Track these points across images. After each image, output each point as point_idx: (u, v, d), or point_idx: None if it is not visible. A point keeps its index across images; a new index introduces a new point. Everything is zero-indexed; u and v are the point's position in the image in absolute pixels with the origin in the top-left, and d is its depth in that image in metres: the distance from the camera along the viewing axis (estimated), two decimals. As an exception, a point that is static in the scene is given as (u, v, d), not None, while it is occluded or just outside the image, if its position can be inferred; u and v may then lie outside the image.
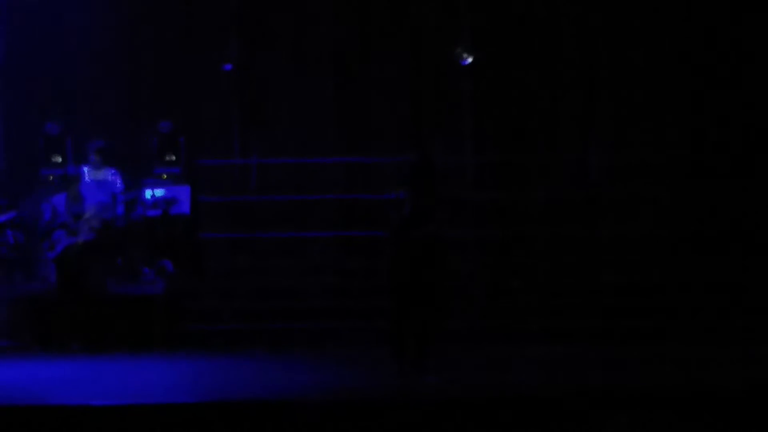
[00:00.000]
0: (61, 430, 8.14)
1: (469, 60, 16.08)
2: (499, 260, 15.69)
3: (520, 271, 15.44)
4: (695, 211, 15.80)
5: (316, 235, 15.83)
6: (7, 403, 8.85)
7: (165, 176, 15.77)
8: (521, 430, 8.07)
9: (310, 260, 15.71)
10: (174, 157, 16.05)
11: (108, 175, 15.13)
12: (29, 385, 10.57)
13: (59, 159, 15.79)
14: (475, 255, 15.52)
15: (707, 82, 16.08)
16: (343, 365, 11.98)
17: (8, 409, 8.54)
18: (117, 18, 15.62)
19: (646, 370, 11.55)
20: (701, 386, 9.72)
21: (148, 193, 15.11)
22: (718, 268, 15.12)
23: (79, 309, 14.01)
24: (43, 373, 11.64)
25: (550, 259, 15.35)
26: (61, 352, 13.69)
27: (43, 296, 14.39)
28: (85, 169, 14.90)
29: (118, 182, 15.17)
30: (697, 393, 8.96)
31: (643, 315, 14.54)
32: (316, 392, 9.59)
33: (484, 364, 11.83)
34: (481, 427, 8.11)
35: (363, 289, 14.93)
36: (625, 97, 16.10)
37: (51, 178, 15.46)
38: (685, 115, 16.12)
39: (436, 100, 15.98)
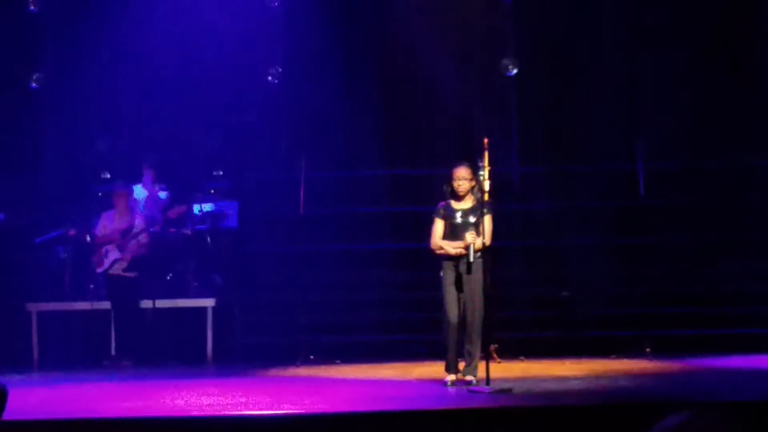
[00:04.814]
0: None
1: (515, 71, 16.05)
2: (546, 271, 15.63)
3: (569, 282, 15.37)
4: (745, 219, 15.70)
5: (363, 247, 15.84)
6: (56, 417, 8.89)
7: (213, 191, 15.83)
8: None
9: (358, 273, 15.71)
10: (222, 172, 16.13)
11: (156, 190, 15.20)
12: (78, 399, 10.63)
13: (108, 175, 15.91)
14: (522, 265, 15.47)
15: (755, 90, 15.97)
16: (395, 376, 11.96)
17: (57, 422, 8.58)
18: (163, 33, 15.66)
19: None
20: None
21: (196, 208, 15.17)
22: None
23: (129, 324, 14.07)
24: (92, 387, 11.69)
25: (599, 269, 15.26)
26: (112, 368, 13.76)
27: (93, 311, 14.46)
28: (134, 184, 14.97)
29: (167, 197, 15.23)
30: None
31: (695, 325, 14.46)
32: (369, 403, 9.56)
33: (534, 375, 11.77)
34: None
35: (411, 302, 14.92)
36: (671, 105, 15.99)
37: (100, 194, 15.56)
38: (733, 122, 16.00)
39: (481, 112, 15.96)
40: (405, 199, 15.98)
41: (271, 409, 9.00)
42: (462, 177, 10.77)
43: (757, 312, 14.55)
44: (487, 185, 10.36)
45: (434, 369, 11.46)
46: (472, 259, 10.49)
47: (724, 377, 11.57)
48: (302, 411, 8.91)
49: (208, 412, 9.07)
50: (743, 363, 12.49)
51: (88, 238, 14.57)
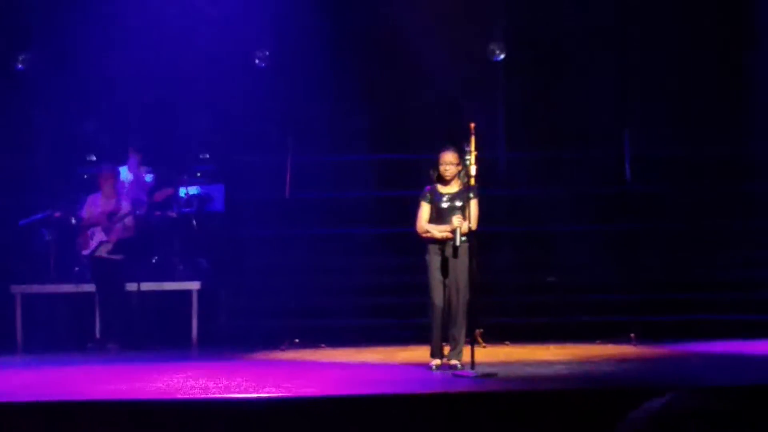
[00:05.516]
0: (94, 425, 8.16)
1: (502, 56, 16.03)
2: (532, 256, 15.66)
3: (553, 267, 15.39)
4: (730, 206, 15.73)
5: (349, 232, 15.84)
6: (40, 399, 8.89)
7: (199, 174, 15.80)
8: (552, 423, 8.04)
9: (343, 257, 15.71)
10: (208, 155, 16.09)
11: (142, 173, 15.17)
12: (62, 382, 10.62)
13: (94, 157, 15.87)
14: (508, 250, 15.49)
15: (742, 79, 16.00)
16: (381, 360, 11.98)
17: (42, 404, 8.57)
18: (151, 15, 15.60)
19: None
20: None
21: (182, 191, 15.14)
22: (758, 264, 15.06)
23: (114, 307, 14.05)
24: (76, 370, 11.68)
25: (585, 255, 15.28)
26: (97, 351, 13.74)
27: (78, 294, 14.44)
28: (120, 167, 14.94)
29: (153, 180, 15.20)
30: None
31: (679, 311, 14.51)
32: (354, 387, 9.57)
33: (519, 359, 11.80)
34: (516, 419, 8.09)
35: (396, 286, 14.93)
36: (659, 93, 16.00)
37: (86, 176, 15.52)
38: (720, 111, 16.02)
39: (468, 97, 15.94)
40: (391, 184, 15.98)
41: (256, 393, 9.00)
42: (448, 162, 10.78)
43: (741, 298, 14.61)
44: (473, 170, 10.37)
45: (419, 353, 11.48)
46: (458, 243, 10.51)
47: (707, 363, 11.62)
48: (287, 394, 8.92)
49: (193, 395, 9.06)
50: (726, 348, 12.56)
51: (74, 221, 14.53)
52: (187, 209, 15.09)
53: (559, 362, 11.43)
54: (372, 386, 9.63)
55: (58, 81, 15.67)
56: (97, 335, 14.19)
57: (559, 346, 13.05)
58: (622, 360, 11.68)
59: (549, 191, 15.93)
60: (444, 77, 16.16)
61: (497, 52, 16.03)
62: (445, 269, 10.68)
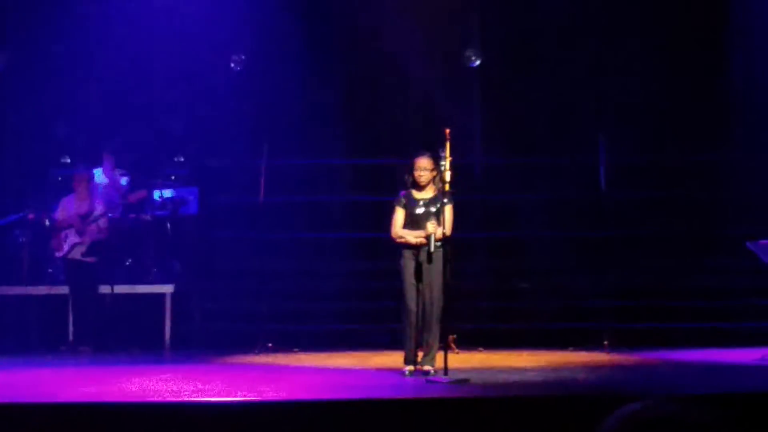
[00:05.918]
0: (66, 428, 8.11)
1: (478, 63, 16.05)
2: (506, 262, 15.67)
3: (527, 274, 15.41)
4: (703, 214, 15.77)
5: (323, 236, 15.82)
6: (14, 401, 8.83)
7: (174, 177, 15.77)
8: (525, 430, 8.04)
9: (317, 262, 15.70)
10: (183, 158, 16.06)
11: (117, 175, 15.13)
12: (35, 384, 10.57)
13: (68, 159, 15.82)
14: (482, 256, 15.50)
15: (721, 85, 16.06)
16: (354, 365, 11.96)
17: (14, 406, 8.53)
18: (126, 19, 15.57)
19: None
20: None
21: (156, 194, 15.11)
22: (732, 272, 15.08)
23: (87, 309, 14.00)
24: (49, 372, 11.62)
25: (559, 261, 15.31)
26: (70, 353, 13.68)
27: (51, 296, 14.38)
28: (94, 169, 14.89)
29: (127, 182, 15.16)
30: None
31: (652, 318, 14.54)
32: (327, 391, 9.56)
33: (492, 366, 11.80)
34: (489, 425, 8.08)
35: (370, 291, 14.91)
36: (635, 100, 16.03)
37: (60, 178, 15.47)
38: (697, 118, 16.06)
39: (444, 102, 15.95)
40: (366, 189, 15.97)
41: (228, 396, 8.97)
42: (423, 167, 10.79)
43: (714, 306, 14.63)
44: (448, 176, 10.37)
45: (393, 358, 11.48)
46: (432, 249, 10.51)
47: (680, 370, 11.65)
48: (259, 398, 8.89)
49: (165, 398, 9.03)
50: (700, 357, 12.60)
51: (47, 222, 14.49)
52: (162, 212, 15.06)
53: (533, 369, 11.44)
54: (344, 391, 9.61)
55: (32, 82, 15.61)
56: (70, 338, 14.14)
57: (532, 352, 13.06)
58: (596, 367, 11.70)
59: (524, 197, 15.95)
60: (420, 82, 16.17)
61: (473, 58, 16.04)
62: (419, 275, 10.67)
